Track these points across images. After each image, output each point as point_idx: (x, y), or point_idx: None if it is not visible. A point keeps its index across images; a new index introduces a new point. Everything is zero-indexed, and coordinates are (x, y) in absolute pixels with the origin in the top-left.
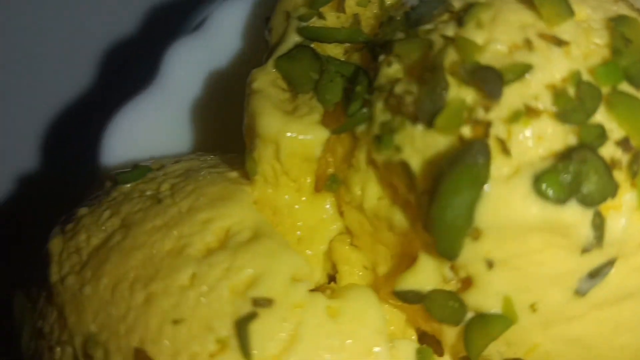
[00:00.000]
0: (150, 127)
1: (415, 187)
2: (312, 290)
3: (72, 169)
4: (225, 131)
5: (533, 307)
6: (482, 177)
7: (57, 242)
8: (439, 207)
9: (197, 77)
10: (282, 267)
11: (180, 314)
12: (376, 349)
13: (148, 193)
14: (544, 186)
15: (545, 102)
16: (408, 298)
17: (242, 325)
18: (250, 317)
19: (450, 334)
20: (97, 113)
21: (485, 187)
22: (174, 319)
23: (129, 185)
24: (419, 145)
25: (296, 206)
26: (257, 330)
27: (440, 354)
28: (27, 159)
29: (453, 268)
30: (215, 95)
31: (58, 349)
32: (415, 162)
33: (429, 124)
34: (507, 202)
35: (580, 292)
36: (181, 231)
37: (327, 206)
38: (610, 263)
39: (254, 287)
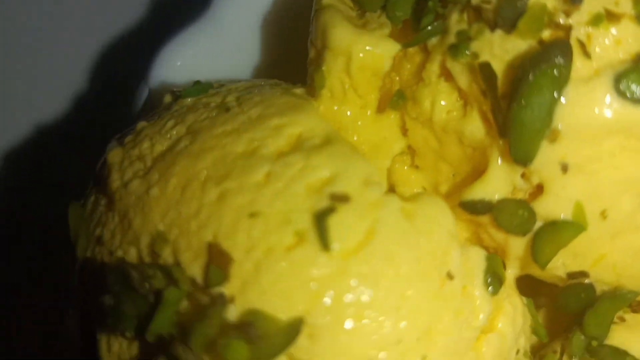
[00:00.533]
0: (201, 57)
1: (495, 90)
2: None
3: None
4: (277, 63)
5: (603, 214)
6: (563, 77)
7: (116, 152)
8: (519, 108)
9: (250, 9)
10: (356, 169)
11: (257, 208)
12: (449, 249)
13: (213, 104)
14: (623, 87)
15: (625, 6)
16: (476, 208)
17: (320, 218)
18: (329, 210)
19: (516, 246)
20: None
21: (566, 87)
22: (250, 212)
23: (190, 100)
24: (498, 51)
25: (359, 122)
26: (336, 223)
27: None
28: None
29: (525, 175)
30: (270, 25)
31: (119, 252)
32: (496, 66)
33: (511, 28)
34: (587, 102)
35: None
36: (252, 135)
37: (390, 125)
38: None
39: (330, 184)
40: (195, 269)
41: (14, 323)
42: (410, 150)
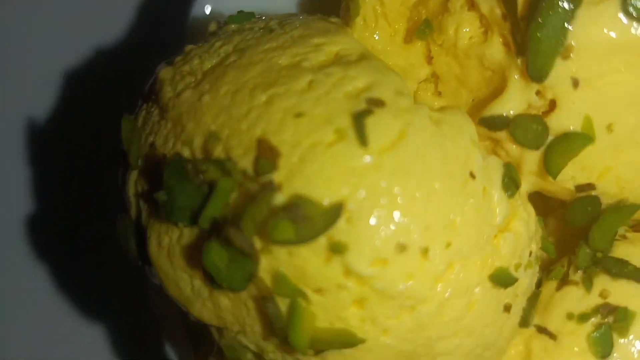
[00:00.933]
0: None
1: (515, 11)
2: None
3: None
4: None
5: (610, 128)
6: None
7: (167, 70)
8: (536, 27)
9: None
10: (390, 80)
11: (301, 109)
12: (472, 153)
13: (257, 27)
14: (630, 7)
15: None
16: (495, 124)
17: (359, 118)
18: (366, 112)
19: (530, 160)
20: None
21: (579, 7)
22: (295, 113)
23: (235, 25)
24: None
25: (389, 48)
26: (372, 123)
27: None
28: None
29: (539, 93)
30: None
31: (173, 152)
32: None
33: None
34: (597, 21)
35: None
36: (296, 51)
37: (417, 52)
38: None
39: (367, 91)
40: (245, 162)
41: None
42: (434, 78)
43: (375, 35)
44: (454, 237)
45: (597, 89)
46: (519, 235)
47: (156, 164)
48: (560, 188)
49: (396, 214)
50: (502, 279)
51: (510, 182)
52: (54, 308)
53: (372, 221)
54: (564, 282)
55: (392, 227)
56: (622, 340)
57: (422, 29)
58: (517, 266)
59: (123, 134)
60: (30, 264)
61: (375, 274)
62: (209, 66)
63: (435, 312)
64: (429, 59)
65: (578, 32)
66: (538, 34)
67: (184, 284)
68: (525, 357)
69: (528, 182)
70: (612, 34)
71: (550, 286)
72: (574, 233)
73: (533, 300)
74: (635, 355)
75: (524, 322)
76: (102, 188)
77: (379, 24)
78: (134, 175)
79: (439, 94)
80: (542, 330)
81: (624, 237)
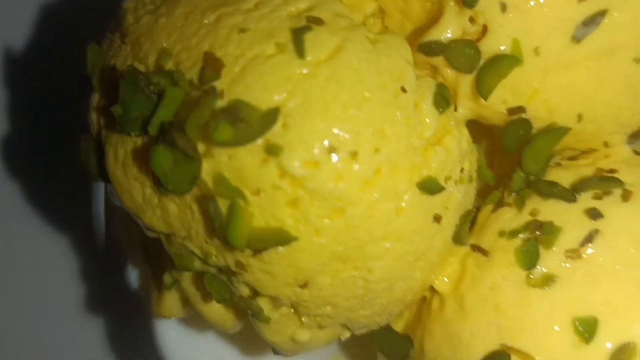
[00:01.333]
0: None
1: None
2: None
3: None
4: None
5: (536, 51)
6: None
7: (130, 2)
8: None
9: None
10: (331, 4)
11: (246, 25)
12: (405, 70)
13: None
14: None
15: None
16: (431, 49)
17: (298, 34)
18: (305, 28)
19: (465, 83)
20: None
21: None
22: (240, 28)
23: None
24: None
25: None
26: (310, 38)
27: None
28: None
29: (472, 20)
30: None
31: (128, 68)
32: None
33: None
34: None
35: (576, 38)
36: None
37: None
38: (601, 13)
39: (308, 11)
40: (192, 73)
41: None
42: (381, 13)
43: None
44: (382, 144)
45: (524, 13)
46: (450, 150)
47: (115, 82)
48: (494, 112)
49: (328, 120)
50: (430, 187)
51: (442, 100)
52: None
53: (306, 126)
54: (499, 204)
55: (324, 132)
56: (546, 252)
57: None
58: (447, 178)
59: (88, 60)
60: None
61: (308, 175)
62: None
63: (364, 214)
64: None
65: None
66: None
67: (137, 193)
68: (460, 275)
69: (464, 108)
70: None
71: (486, 210)
72: (512, 162)
73: (466, 217)
74: (557, 266)
75: (457, 239)
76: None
77: None
78: (96, 97)
79: (386, 27)
80: (475, 248)
81: (558, 164)
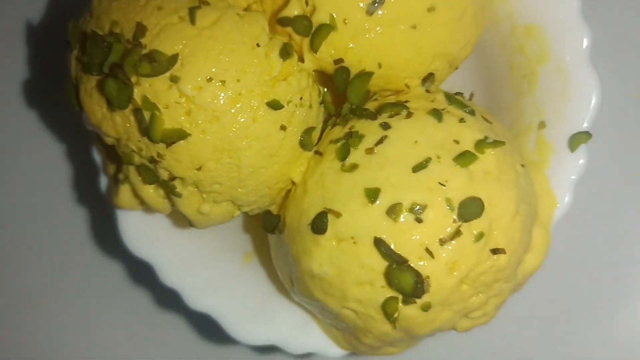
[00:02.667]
0: None
1: None
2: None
3: None
4: None
5: (345, 21)
6: None
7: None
8: None
9: None
10: None
11: (162, 5)
12: (262, 33)
13: None
14: None
15: None
16: (284, 22)
17: (192, 10)
18: (197, 7)
19: (306, 44)
20: None
21: None
22: (158, 7)
23: None
24: None
25: None
26: (200, 13)
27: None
28: None
29: (307, 2)
30: None
31: (91, 32)
32: None
33: None
34: None
35: (369, 12)
36: None
37: None
38: None
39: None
40: (130, 35)
41: None
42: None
43: None
44: (242, 77)
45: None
46: (291, 84)
47: (84, 42)
48: (326, 63)
49: (207, 61)
50: (275, 105)
51: (285, 52)
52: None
53: (194, 64)
54: (333, 124)
55: (205, 67)
56: (354, 150)
57: None
58: (288, 102)
59: (70, 29)
60: None
61: (196, 95)
62: None
63: (231, 120)
64: None
65: None
66: None
67: (98, 112)
68: (306, 171)
69: (308, 60)
70: None
71: (328, 129)
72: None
73: (308, 130)
74: (359, 159)
75: (302, 145)
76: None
77: None
78: (73, 53)
79: (263, 9)
80: (317, 152)
81: (375, 99)
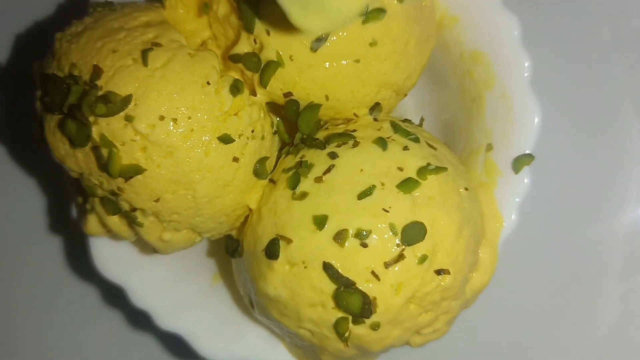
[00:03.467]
0: None
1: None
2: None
3: None
4: None
5: (291, 57)
6: None
7: (60, 34)
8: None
9: None
10: (169, 34)
11: (117, 48)
12: (211, 71)
13: (107, 9)
14: None
15: None
16: (235, 59)
17: (145, 52)
18: (150, 49)
19: (256, 78)
20: None
21: None
22: (113, 50)
23: (99, 8)
24: None
25: (185, 19)
26: (152, 54)
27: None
28: None
29: (255, 40)
30: None
31: (52, 74)
32: None
33: None
34: None
35: (313, 49)
36: (122, 20)
37: (204, 21)
38: (325, 36)
39: (153, 39)
40: (87, 76)
41: None
42: (214, 36)
43: (180, 11)
44: (193, 114)
45: (281, 35)
46: (242, 118)
47: (46, 83)
48: (277, 96)
49: (159, 100)
50: (226, 139)
51: (235, 89)
52: None
53: (147, 104)
54: (287, 153)
55: (157, 106)
56: (304, 179)
57: (205, 8)
58: (240, 135)
59: (34, 71)
60: None
61: (149, 132)
62: (79, 30)
63: (184, 154)
64: (210, 26)
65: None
66: (243, 9)
67: (61, 149)
68: (262, 197)
69: (260, 94)
70: None
71: (282, 158)
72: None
73: (262, 160)
74: (309, 187)
75: (256, 174)
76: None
77: (179, 5)
78: (39, 92)
79: (218, 45)
80: (271, 180)
81: (326, 128)
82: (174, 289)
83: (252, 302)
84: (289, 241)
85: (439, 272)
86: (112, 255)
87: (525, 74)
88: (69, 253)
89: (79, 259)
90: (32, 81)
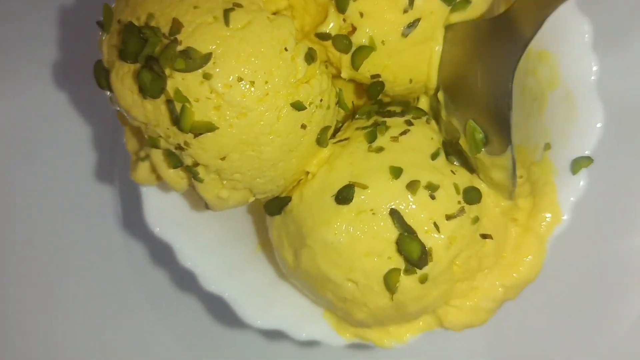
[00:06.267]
0: None
1: None
2: None
3: None
4: None
5: (383, 42)
6: None
7: None
8: None
9: None
10: None
11: (198, 5)
12: (289, 37)
13: None
14: None
15: None
16: (322, 37)
17: (226, 12)
18: (231, 9)
19: (345, 59)
20: None
21: None
22: (194, 6)
23: None
24: None
25: None
26: (233, 14)
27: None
28: None
29: (345, 20)
30: None
31: (128, 22)
32: None
33: None
34: None
35: (404, 35)
36: None
37: None
38: (417, 20)
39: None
40: (166, 29)
41: None
42: (291, 7)
43: None
44: (270, 79)
45: (374, 19)
46: (313, 87)
47: (120, 30)
48: (363, 77)
49: (239, 62)
50: (298, 106)
51: (309, 58)
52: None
53: (226, 64)
54: (355, 119)
55: (237, 68)
56: (380, 136)
57: None
58: (310, 103)
59: (103, 14)
60: None
61: (226, 92)
62: None
63: (257, 117)
64: None
65: None
66: None
67: (128, 97)
68: (331, 156)
69: (345, 74)
70: None
71: (348, 123)
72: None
73: (325, 129)
74: (385, 143)
75: (319, 142)
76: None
77: None
78: (107, 37)
79: (293, 16)
80: (340, 140)
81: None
82: (220, 253)
83: (296, 256)
84: (364, 187)
85: (483, 236)
86: (163, 215)
87: (592, 77)
88: (121, 211)
89: (130, 218)
90: (91, 24)
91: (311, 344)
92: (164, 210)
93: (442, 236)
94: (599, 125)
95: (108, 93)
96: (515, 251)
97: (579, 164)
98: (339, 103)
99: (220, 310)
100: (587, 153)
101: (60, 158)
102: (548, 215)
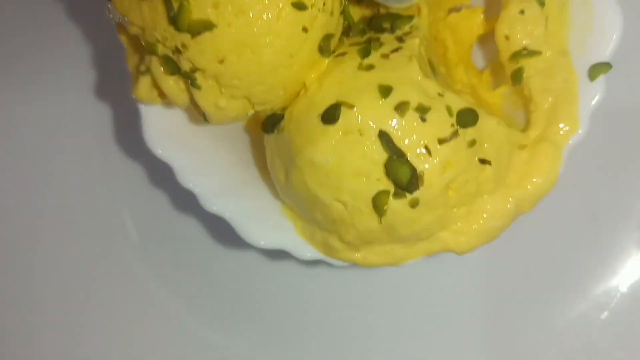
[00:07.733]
0: None
1: None
2: None
3: None
4: None
5: None
6: None
7: None
8: None
9: None
10: None
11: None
12: None
13: None
14: None
15: None
16: None
17: None
18: None
19: None
20: None
21: None
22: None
23: None
24: None
25: None
26: None
27: None
28: None
29: None
30: None
31: None
32: None
33: None
34: None
35: None
36: None
37: None
38: None
39: None
40: None
41: None
42: None
43: None
44: None
45: None
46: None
47: None
48: None
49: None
50: (299, 5)
51: None
52: None
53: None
54: (351, 36)
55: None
56: (373, 53)
57: None
58: (312, 5)
59: None
60: None
61: None
62: None
63: (257, 15)
64: None
65: None
66: None
67: (125, 0)
68: (324, 71)
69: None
70: None
71: (345, 40)
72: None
73: (327, 37)
74: (375, 61)
75: (321, 50)
76: None
77: None
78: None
79: None
80: (339, 54)
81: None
82: (222, 174)
83: (286, 175)
84: (350, 107)
85: (482, 161)
86: (162, 134)
87: None
88: (118, 130)
89: (128, 138)
90: None
91: (314, 263)
92: (162, 130)
93: (435, 160)
94: (616, 30)
95: (109, 5)
96: (527, 163)
97: (597, 69)
98: (344, 13)
99: (223, 230)
100: (605, 58)
101: (59, 77)
102: (563, 125)
